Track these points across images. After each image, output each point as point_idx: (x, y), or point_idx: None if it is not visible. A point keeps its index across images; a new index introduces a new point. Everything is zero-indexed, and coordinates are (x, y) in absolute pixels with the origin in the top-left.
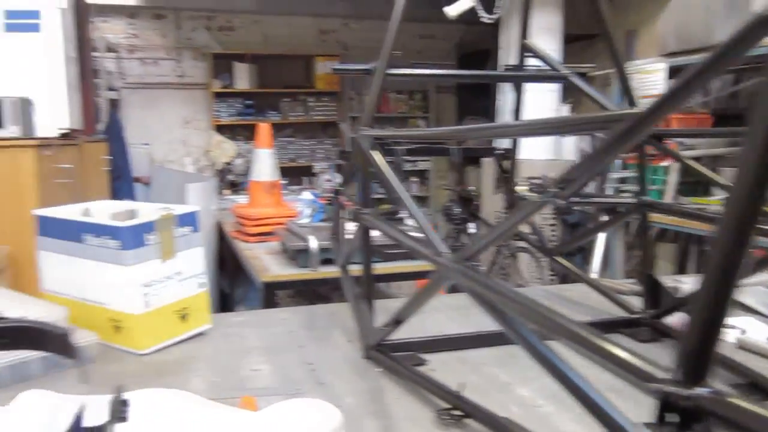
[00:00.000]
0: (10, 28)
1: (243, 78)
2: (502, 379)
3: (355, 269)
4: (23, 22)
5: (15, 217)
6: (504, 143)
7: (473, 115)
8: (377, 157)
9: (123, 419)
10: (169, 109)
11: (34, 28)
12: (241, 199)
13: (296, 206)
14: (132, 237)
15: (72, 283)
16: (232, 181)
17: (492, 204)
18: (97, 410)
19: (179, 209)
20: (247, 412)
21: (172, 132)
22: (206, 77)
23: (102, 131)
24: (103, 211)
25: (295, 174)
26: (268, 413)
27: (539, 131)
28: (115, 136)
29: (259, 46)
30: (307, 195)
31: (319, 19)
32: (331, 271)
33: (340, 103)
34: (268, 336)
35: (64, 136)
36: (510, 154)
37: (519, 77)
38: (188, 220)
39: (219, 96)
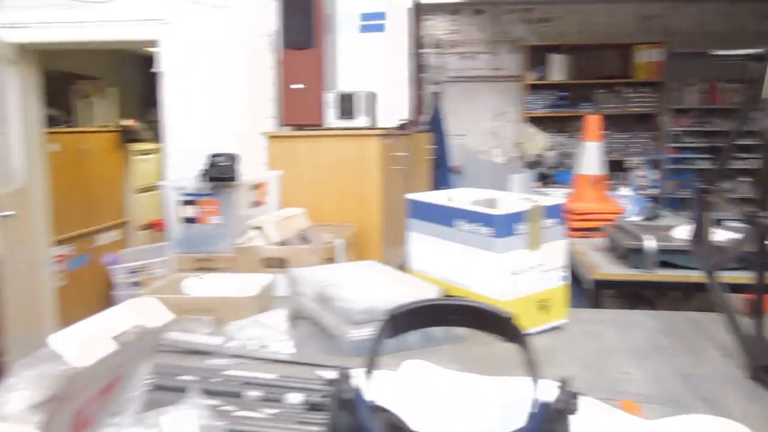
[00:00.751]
0: (364, 29)
1: (557, 69)
2: None
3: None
4: (373, 23)
5: (360, 198)
6: None
7: None
8: None
9: (573, 411)
10: (483, 102)
11: (380, 28)
12: (551, 191)
13: (619, 202)
14: (504, 225)
15: (439, 264)
16: (542, 173)
17: None
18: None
19: (546, 201)
20: (643, 420)
21: (484, 123)
22: (520, 69)
23: (426, 122)
24: (465, 198)
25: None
26: (674, 425)
27: None
28: (436, 127)
29: (576, 36)
30: (626, 191)
31: (643, 4)
32: (668, 275)
33: (660, 94)
34: (628, 338)
35: (400, 126)
36: None
37: None
38: (554, 212)
39: (532, 88)
